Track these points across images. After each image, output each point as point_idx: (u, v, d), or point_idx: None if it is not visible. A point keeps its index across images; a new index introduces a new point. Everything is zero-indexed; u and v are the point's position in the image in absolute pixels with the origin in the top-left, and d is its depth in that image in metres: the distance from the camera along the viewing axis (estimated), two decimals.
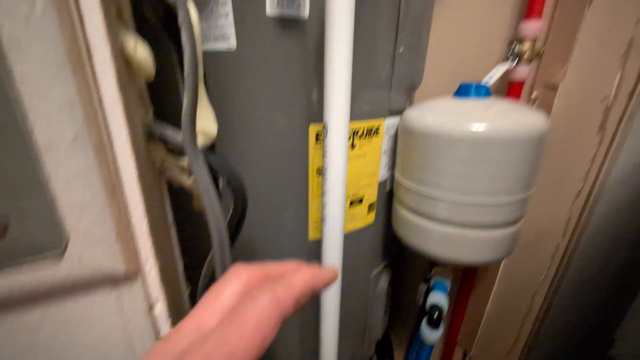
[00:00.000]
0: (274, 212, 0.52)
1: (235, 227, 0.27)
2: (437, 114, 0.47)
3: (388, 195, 0.63)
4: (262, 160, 0.48)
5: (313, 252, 0.54)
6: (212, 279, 0.23)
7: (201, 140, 0.24)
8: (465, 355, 0.83)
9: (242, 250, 0.54)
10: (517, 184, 0.45)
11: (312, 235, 0.55)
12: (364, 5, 0.44)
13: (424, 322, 0.54)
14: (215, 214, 0.22)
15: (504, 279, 0.64)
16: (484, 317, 0.69)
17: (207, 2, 0.40)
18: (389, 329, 1.22)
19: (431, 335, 0.52)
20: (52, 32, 0.17)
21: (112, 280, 0.22)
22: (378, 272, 0.72)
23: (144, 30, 0.23)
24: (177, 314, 0.26)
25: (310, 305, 0.55)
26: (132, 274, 0.22)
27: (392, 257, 0.79)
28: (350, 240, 0.60)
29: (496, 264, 0.51)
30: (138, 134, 0.22)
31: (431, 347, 0.55)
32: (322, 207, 0.48)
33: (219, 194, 0.25)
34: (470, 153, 0.43)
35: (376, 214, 0.62)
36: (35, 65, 0.17)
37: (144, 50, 0.20)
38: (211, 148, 0.27)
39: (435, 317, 0.51)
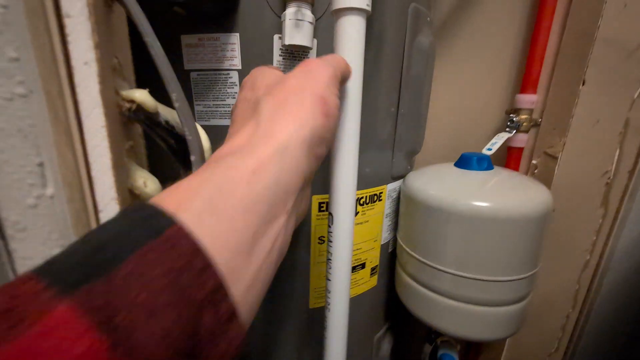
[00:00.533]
0: (274, 282, 0.50)
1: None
2: (439, 185, 0.48)
3: (391, 256, 0.62)
4: None
5: (315, 320, 0.51)
6: None
7: None
8: None
9: None
10: (523, 262, 0.44)
11: (312, 303, 0.54)
12: (367, 64, 0.45)
13: None
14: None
15: (512, 351, 0.61)
16: None
17: (216, 83, 0.41)
18: None
19: None
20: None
21: None
22: (381, 335, 0.68)
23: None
24: None
25: None
26: None
27: (395, 318, 0.76)
28: (353, 304, 0.58)
29: (502, 341, 0.48)
30: None
31: None
32: (326, 279, 0.46)
33: None
34: (473, 229, 0.43)
35: (379, 277, 0.60)
36: None
37: (154, 183, 0.21)
38: None
39: None
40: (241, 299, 0.15)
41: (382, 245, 0.59)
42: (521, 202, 0.43)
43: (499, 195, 0.43)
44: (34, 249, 0.15)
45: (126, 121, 0.20)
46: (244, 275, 0.15)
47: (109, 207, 0.19)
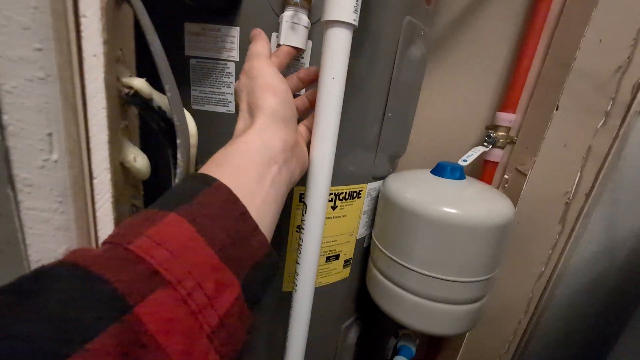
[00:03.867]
0: None
1: None
2: (414, 190, 0.51)
3: (364, 251, 0.66)
4: None
5: (285, 304, 0.55)
6: None
7: None
8: None
9: None
10: (483, 265, 0.48)
11: (285, 287, 0.57)
12: (358, 67, 0.48)
13: None
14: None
15: (468, 350, 0.65)
16: None
17: (213, 71, 0.44)
18: None
19: None
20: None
21: None
22: (348, 325, 0.72)
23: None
24: None
25: (277, 354, 0.55)
26: None
27: (364, 309, 0.80)
28: (324, 293, 0.61)
29: (460, 336, 0.53)
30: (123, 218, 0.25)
31: None
32: (296, 264, 0.50)
33: None
34: (442, 233, 0.46)
35: (351, 269, 0.64)
36: None
37: (143, 159, 0.23)
38: None
39: None
40: (257, 216, 0.24)
41: (357, 240, 0.62)
42: (487, 212, 0.46)
43: (467, 204, 0.47)
44: (37, 201, 0.18)
45: (124, 104, 0.22)
46: (255, 201, 0.25)
47: (102, 175, 0.22)
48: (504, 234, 0.47)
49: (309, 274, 0.50)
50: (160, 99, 0.23)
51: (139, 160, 0.23)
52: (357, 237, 0.62)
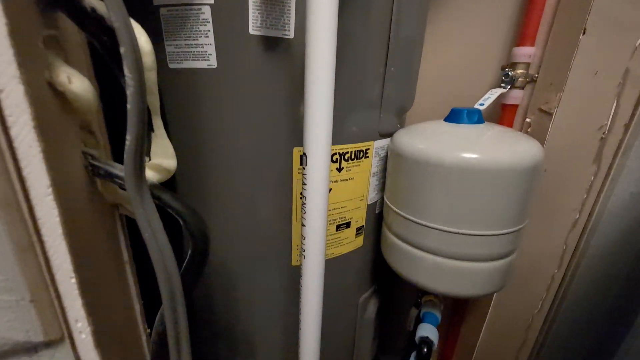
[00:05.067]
0: (256, 237, 0.49)
1: (193, 274, 0.25)
2: (428, 139, 0.45)
3: (378, 217, 0.61)
4: (243, 183, 0.45)
5: (296, 279, 0.51)
6: (164, 337, 0.20)
7: (157, 177, 0.22)
8: None
9: (224, 277, 0.51)
10: (511, 216, 0.42)
11: (295, 261, 0.53)
12: (352, 23, 0.42)
13: (412, 357, 0.51)
14: (164, 265, 0.20)
15: (496, 311, 0.61)
16: (476, 350, 0.66)
17: (187, 20, 0.38)
18: (378, 354, 1.17)
19: None
20: None
21: (26, 349, 0.19)
22: (366, 298, 0.69)
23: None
24: None
25: (292, 337, 0.52)
26: (56, 340, 0.19)
27: (382, 281, 0.76)
28: (337, 265, 0.57)
29: (488, 297, 0.48)
30: (70, 175, 0.19)
31: None
32: (301, 235, 0.45)
33: (178, 235, 0.23)
34: (462, 182, 0.41)
35: (365, 237, 0.59)
36: None
37: (82, 82, 0.18)
38: (172, 183, 0.24)
39: (424, 351, 0.48)
40: None
41: (368, 206, 0.57)
42: (511, 153, 0.41)
43: (489, 148, 0.42)
44: None
45: (44, 7, 0.17)
46: None
47: (12, 92, 0.15)
48: (533, 178, 0.42)
49: (316, 243, 0.45)
50: (97, 2, 0.18)
51: (74, 82, 0.18)
52: (368, 202, 0.57)
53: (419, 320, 0.82)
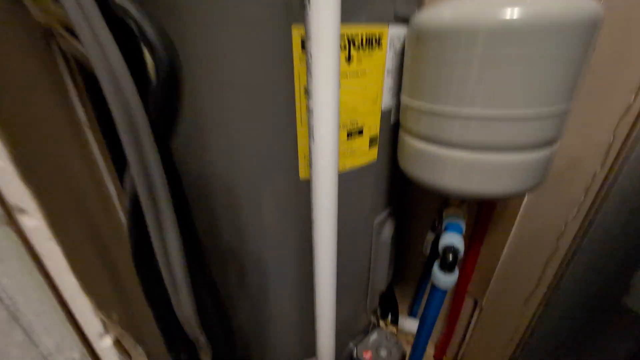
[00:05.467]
0: (253, 146, 0.43)
1: (163, 106, 0.18)
2: (455, 6, 0.36)
3: (393, 129, 0.54)
4: (233, 76, 0.38)
5: (306, 194, 0.45)
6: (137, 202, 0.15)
7: None
8: (476, 304, 0.78)
9: (226, 197, 0.46)
10: (559, 90, 0.35)
11: (303, 173, 0.47)
12: None
13: (436, 267, 0.47)
14: (117, 88, 0.13)
15: (526, 218, 0.56)
16: (500, 261, 0.63)
17: None
18: (392, 284, 1.18)
19: (445, 279, 0.45)
20: None
21: None
22: (382, 220, 0.64)
23: None
24: None
25: (305, 258, 0.48)
26: None
27: (397, 204, 0.72)
28: (350, 179, 0.52)
29: (522, 196, 0.42)
30: None
31: (443, 294, 0.49)
32: (309, 136, 0.39)
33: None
34: (500, 47, 0.33)
35: (379, 150, 0.53)
36: None
37: None
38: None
39: (450, 259, 0.44)
40: None
41: (382, 113, 0.50)
42: (562, 5, 0.32)
43: (534, 1, 0.33)
44: None
45: None
46: None
47: None
48: (587, 37, 0.34)
49: (326, 148, 0.39)
50: None
51: None
52: (382, 109, 0.50)
53: (436, 245, 0.79)
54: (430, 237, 0.80)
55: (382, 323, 0.89)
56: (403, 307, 1.06)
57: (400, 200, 0.86)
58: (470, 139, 0.38)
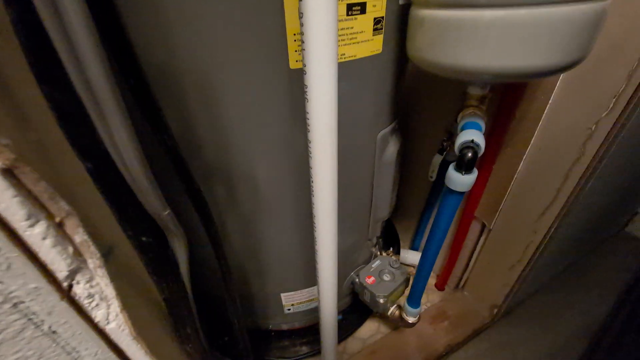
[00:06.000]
0: (231, 23, 0.34)
1: None
2: None
3: (401, 13, 0.44)
4: None
5: (300, 85, 0.37)
6: None
7: None
8: (483, 229, 0.74)
9: (202, 93, 0.38)
10: None
11: (294, 62, 0.38)
12: None
13: (451, 168, 0.41)
14: None
15: (550, 120, 0.48)
16: (515, 176, 0.57)
17: None
18: (392, 219, 1.15)
19: (462, 180, 0.38)
20: None
21: None
22: (386, 134, 0.57)
23: None
24: None
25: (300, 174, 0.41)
26: None
27: (403, 118, 0.64)
28: (349, 73, 0.43)
29: (565, 70, 0.35)
30: None
31: (458, 200, 0.43)
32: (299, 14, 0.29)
33: None
34: None
35: (385, 39, 0.44)
36: None
37: None
38: None
39: (469, 156, 0.37)
40: None
41: None
42: None
43: None
44: None
45: None
46: None
47: None
48: None
49: (324, 22, 0.30)
50: None
51: None
52: None
53: (443, 169, 0.73)
54: (437, 159, 0.74)
55: (384, 254, 0.87)
56: (404, 243, 1.04)
57: (407, 116, 0.79)
58: None
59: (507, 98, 0.54)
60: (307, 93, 0.33)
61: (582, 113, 0.48)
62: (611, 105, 0.45)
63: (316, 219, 0.43)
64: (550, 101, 0.47)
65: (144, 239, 0.23)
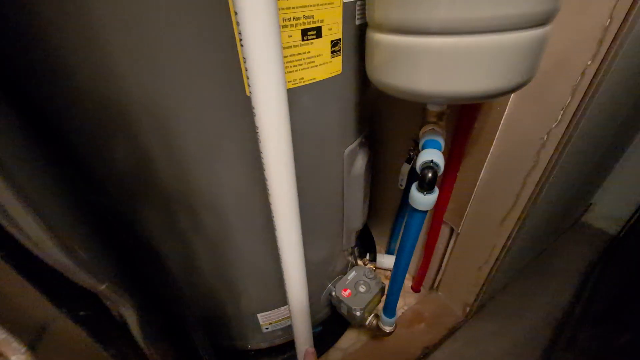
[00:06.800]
0: (176, 46, 0.32)
1: None
2: None
3: (359, 31, 0.44)
4: None
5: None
6: None
7: None
8: (452, 232, 0.77)
9: (147, 121, 0.35)
10: None
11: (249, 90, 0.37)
12: None
13: (414, 188, 0.41)
14: None
15: (506, 132, 0.51)
16: (478, 183, 0.59)
17: None
18: (367, 225, 1.16)
19: (424, 200, 0.39)
20: None
21: None
22: (353, 149, 0.57)
23: None
24: None
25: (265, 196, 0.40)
26: None
27: (369, 133, 0.65)
28: (310, 97, 0.43)
29: (511, 92, 0.36)
30: None
31: (422, 217, 0.44)
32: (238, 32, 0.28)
33: None
34: None
35: (344, 60, 0.44)
36: None
37: None
38: None
39: (429, 176, 0.38)
40: None
41: (345, 5, 0.40)
42: None
43: None
44: None
45: None
46: None
47: None
48: None
49: (266, 46, 0.29)
50: None
51: None
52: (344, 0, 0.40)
53: (412, 176, 0.75)
54: (405, 168, 0.75)
55: (360, 262, 0.88)
56: (380, 247, 1.05)
57: (375, 126, 0.79)
58: (456, 16, 0.30)
59: (465, 112, 0.56)
60: (256, 119, 0.33)
61: (535, 124, 0.50)
62: (559, 117, 0.48)
63: (279, 239, 0.42)
64: (505, 113, 0.49)
65: (82, 313, 0.21)
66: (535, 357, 0.75)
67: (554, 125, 0.49)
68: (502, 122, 0.49)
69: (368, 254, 0.95)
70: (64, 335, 0.20)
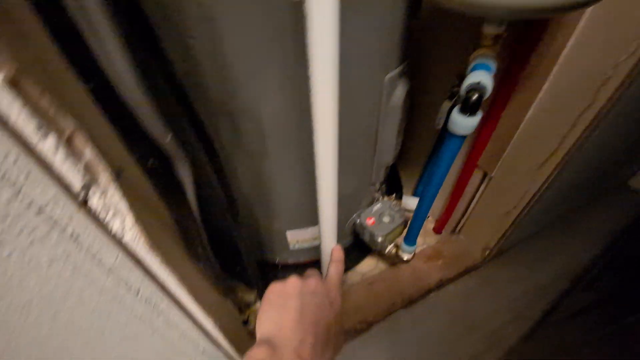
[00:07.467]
0: None
1: None
2: None
3: None
4: None
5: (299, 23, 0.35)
6: None
7: None
8: (484, 177, 0.75)
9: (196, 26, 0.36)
10: None
11: None
12: None
13: (455, 110, 0.40)
14: None
15: (567, 64, 0.46)
16: (522, 123, 0.56)
17: None
18: (396, 165, 1.15)
19: (464, 122, 0.38)
20: None
21: None
22: (394, 77, 0.55)
23: None
24: None
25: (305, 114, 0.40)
26: None
27: (412, 62, 0.62)
28: (356, 9, 0.41)
29: (586, 5, 0.32)
30: None
31: (459, 143, 0.43)
32: None
33: None
34: None
35: None
36: None
37: None
38: None
39: (474, 98, 0.37)
40: None
41: None
42: None
43: None
44: None
45: None
46: None
47: None
48: None
49: None
50: None
51: None
52: None
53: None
54: (445, 106, 0.72)
55: (386, 199, 0.90)
56: (407, 190, 1.06)
57: (417, 61, 0.75)
58: None
59: (523, 41, 0.51)
60: (307, 22, 0.32)
61: (601, 56, 0.45)
62: (634, 49, 0.42)
63: (317, 158, 0.44)
64: (568, 44, 0.44)
65: (150, 162, 0.24)
66: (541, 308, 0.77)
67: (623, 59, 0.44)
68: (564, 51, 0.45)
69: (394, 194, 0.96)
70: (134, 181, 0.24)
